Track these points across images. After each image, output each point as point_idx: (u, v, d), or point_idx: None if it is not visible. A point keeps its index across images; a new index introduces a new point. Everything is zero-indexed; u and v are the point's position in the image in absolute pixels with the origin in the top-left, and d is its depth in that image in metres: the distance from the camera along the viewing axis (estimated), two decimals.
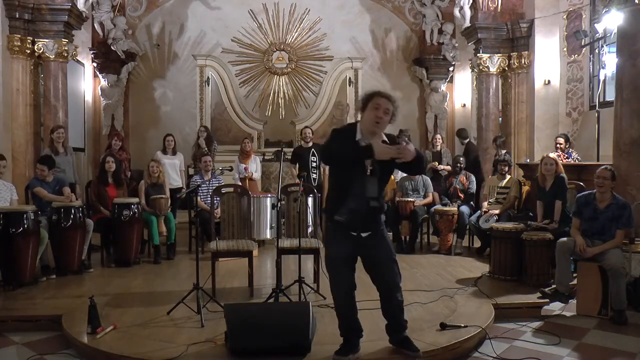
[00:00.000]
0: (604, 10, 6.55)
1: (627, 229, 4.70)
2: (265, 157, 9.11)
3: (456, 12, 9.54)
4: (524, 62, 8.83)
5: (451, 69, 11.31)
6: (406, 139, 3.47)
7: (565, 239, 4.85)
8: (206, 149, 8.11)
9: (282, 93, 10.62)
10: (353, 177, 3.28)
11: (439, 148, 8.71)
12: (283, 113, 10.57)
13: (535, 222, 5.61)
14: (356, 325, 3.53)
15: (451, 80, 11.64)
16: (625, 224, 4.66)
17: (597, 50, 8.25)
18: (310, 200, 5.39)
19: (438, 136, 9.00)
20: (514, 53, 8.93)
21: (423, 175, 7.22)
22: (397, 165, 3.29)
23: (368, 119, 3.28)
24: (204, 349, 3.60)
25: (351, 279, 3.45)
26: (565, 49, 8.67)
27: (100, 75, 10.71)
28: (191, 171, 8.71)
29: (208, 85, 9.89)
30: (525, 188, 7.00)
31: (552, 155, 5.88)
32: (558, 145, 7.38)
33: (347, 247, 3.39)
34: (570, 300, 4.81)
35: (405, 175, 7.07)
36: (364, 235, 3.39)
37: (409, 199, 6.93)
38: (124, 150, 8.07)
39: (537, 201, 5.85)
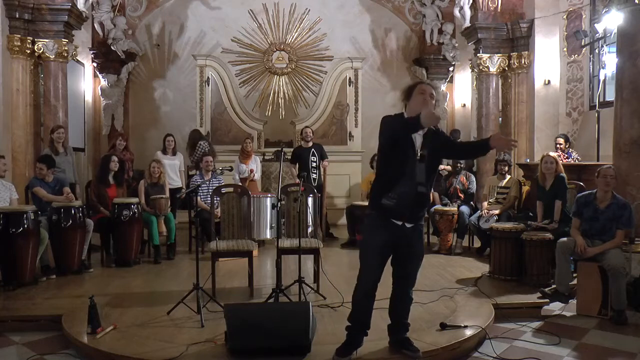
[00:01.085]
0: (604, 10, 6.55)
1: (627, 229, 4.71)
2: (265, 157, 9.10)
3: (456, 12, 9.53)
4: (524, 62, 8.82)
5: (451, 69, 11.31)
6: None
7: (565, 239, 4.86)
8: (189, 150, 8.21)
9: (282, 93, 10.61)
10: (404, 162, 3.37)
11: None
12: (283, 113, 10.56)
13: (535, 223, 5.61)
14: (367, 320, 3.56)
15: (451, 80, 11.63)
16: (626, 224, 4.66)
17: (597, 50, 8.24)
18: (310, 200, 5.39)
19: None
20: (514, 53, 8.92)
21: None
22: (445, 154, 3.52)
23: (416, 103, 3.40)
24: (204, 349, 3.60)
25: (379, 273, 3.48)
26: (565, 49, 8.66)
27: (100, 75, 10.70)
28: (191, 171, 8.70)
29: (208, 85, 9.88)
30: (525, 188, 7.00)
31: (553, 154, 5.88)
32: (558, 146, 7.38)
33: (385, 237, 3.43)
34: (570, 300, 4.81)
35: None
36: (408, 226, 3.44)
37: None
38: (128, 150, 8.06)
39: (537, 201, 5.85)
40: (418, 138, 3.42)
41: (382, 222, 3.44)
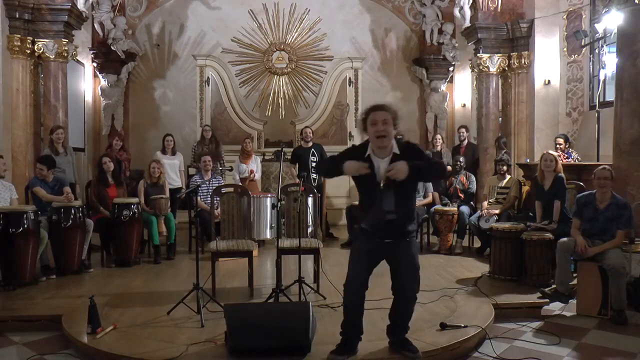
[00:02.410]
0: (604, 10, 6.55)
1: (627, 229, 4.70)
2: (265, 157, 9.10)
3: (456, 12, 9.53)
4: (524, 62, 8.82)
5: (451, 69, 11.30)
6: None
7: (566, 239, 4.85)
8: (208, 146, 8.13)
9: (282, 93, 10.62)
10: (369, 192, 3.36)
11: (439, 148, 8.70)
12: (283, 113, 10.57)
13: (535, 223, 5.60)
14: (358, 326, 3.53)
15: (451, 80, 11.63)
16: (626, 224, 4.66)
17: (597, 50, 8.25)
18: (310, 200, 5.38)
19: (438, 136, 8.98)
20: (514, 53, 8.92)
21: None
22: (414, 177, 3.26)
23: (371, 136, 3.35)
24: (204, 349, 3.60)
25: (365, 276, 3.46)
26: (565, 49, 8.66)
27: (100, 75, 10.71)
28: (192, 171, 8.69)
29: (208, 85, 9.88)
30: (525, 188, 7.00)
31: (553, 152, 5.87)
32: (558, 146, 7.37)
33: (370, 245, 3.44)
34: (570, 300, 4.81)
35: None
36: (387, 241, 3.42)
37: None
38: (125, 150, 8.05)
39: (535, 201, 5.83)
40: (382, 165, 3.29)
41: (365, 236, 3.45)
